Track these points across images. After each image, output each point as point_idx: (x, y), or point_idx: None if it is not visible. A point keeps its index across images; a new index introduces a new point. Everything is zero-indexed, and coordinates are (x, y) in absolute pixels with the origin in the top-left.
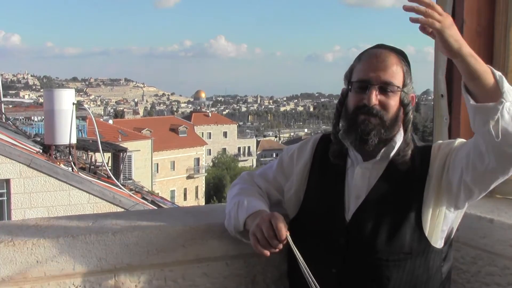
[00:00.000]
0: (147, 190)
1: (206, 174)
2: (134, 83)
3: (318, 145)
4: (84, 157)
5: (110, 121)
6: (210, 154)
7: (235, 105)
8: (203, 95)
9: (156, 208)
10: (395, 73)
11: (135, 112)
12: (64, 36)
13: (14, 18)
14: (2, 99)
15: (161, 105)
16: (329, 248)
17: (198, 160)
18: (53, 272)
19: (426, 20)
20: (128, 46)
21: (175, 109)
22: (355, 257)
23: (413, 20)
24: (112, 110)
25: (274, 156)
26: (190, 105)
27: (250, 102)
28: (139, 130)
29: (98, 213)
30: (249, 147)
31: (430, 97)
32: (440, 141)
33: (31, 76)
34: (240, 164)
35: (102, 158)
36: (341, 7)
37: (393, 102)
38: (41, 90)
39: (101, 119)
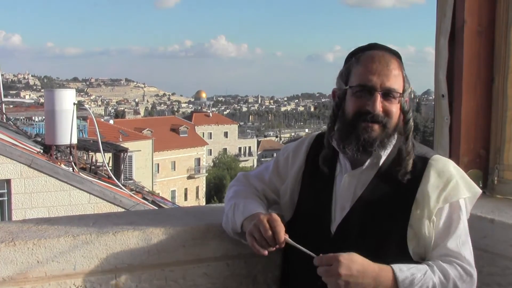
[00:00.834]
0: (147, 190)
1: (206, 174)
2: (135, 83)
3: (312, 146)
4: (85, 157)
5: (111, 121)
6: (211, 154)
7: (236, 105)
8: (203, 95)
9: (156, 208)
10: (397, 79)
11: (136, 112)
12: (64, 36)
13: (14, 18)
14: (3, 99)
15: (162, 105)
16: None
17: (198, 160)
18: (53, 272)
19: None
20: (128, 46)
21: (175, 109)
22: None
23: None
24: (112, 110)
25: (275, 156)
26: (191, 105)
27: (251, 102)
28: (139, 130)
29: (99, 213)
30: (249, 147)
31: (431, 97)
32: (437, 167)
33: (32, 76)
34: (241, 164)
35: (103, 158)
36: (342, 7)
37: (395, 109)
38: (42, 90)
39: (102, 119)
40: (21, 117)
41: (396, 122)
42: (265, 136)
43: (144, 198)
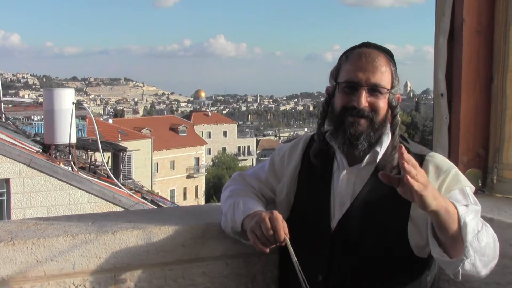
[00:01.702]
0: (147, 189)
1: (206, 173)
2: (134, 82)
3: (308, 145)
4: (84, 157)
5: (110, 121)
6: (210, 153)
7: (235, 105)
8: (202, 94)
9: (155, 207)
10: (384, 75)
11: (135, 112)
12: (63, 36)
13: (13, 18)
14: (2, 98)
15: (161, 104)
16: (315, 255)
17: (198, 159)
18: (53, 272)
19: (412, 182)
20: (127, 46)
21: (174, 109)
22: (339, 265)
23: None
24: (112, 110)
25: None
26: (190, 105)
27: (250, 101)
28: (139, 130)
29: (98, 213)
30: (249, 147)
31: (430, 97)
32: (436, 161)
33: (31, 75)
34: (240, 164)
35: (102, 157)
36: (340, 7)
37: (382, 104)
38: (41, 90)
39: (101, 119)
40: (20, 117)
41: (383, 117)
42: (264, 135)
43: (143, 198)
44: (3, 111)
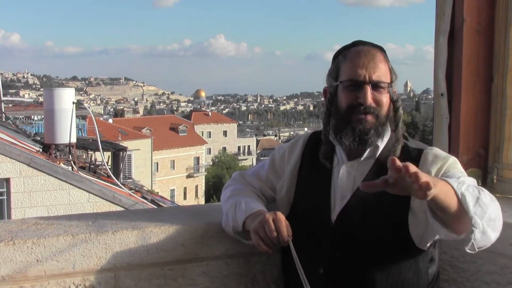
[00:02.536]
0: (147, 189)
1: (206, 173)
2: (134, 82)
3: (307, 143)
4: (84, 156)
5: (110, 120)
6: (210, 153)
7: (235, 104)
8: (203, 94)
9: (156, 207)
10: (384, 71)
11: (135, 111)
12: (64, 35)
13: (14, 17)
14: (2, 98)
15: (161, 104)
16: (316, 248)
17: (198, 159)
18: (53, 271)
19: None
20: (127, 45)
21: (175, 108)
22: (340, 258)
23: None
24: (112, 109)
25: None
26: (190, 104)
27: (250, 101)
28: (139, 129)
29: (98, 212)
30: (249, 146)
31: (430, 96)
32: (434, 151)
33: (31, 75)
34: (240, 163)
35: (102, 157)
36: (340, 7)
37: (385, 99)
38: (41, 89)
39: (101, 118)
40: (20, 116)
41: (387, 111)
42: (264, 135)
43: (143, 197)
44: (3, 110)
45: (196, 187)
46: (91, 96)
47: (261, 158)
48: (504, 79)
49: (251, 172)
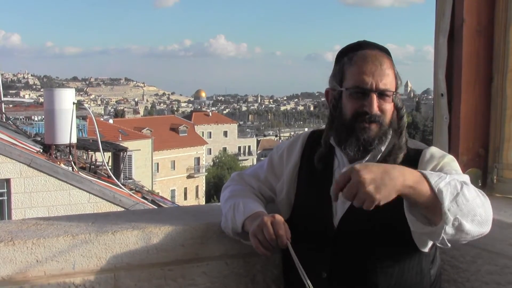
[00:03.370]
0: (147, 189)
1: (206, 173)
2: (134, 82)
3: (307, 143)
4: (84, 157)
5: (111, 121)
6: (210, 153)
7: (236, 105)
8: (203, 94)
9: (156, 207)
10: (391, 78)
11: (136, 112)
12: (64, 36)
13: (14, 18)
14: (3, 98)
15: (162, 104)
16: (319, 253)
17: (198, 159)
18: (53, 272)
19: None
20: (128, 46)
21: (175, 109)
22: (343, 263)
23: None
24: (112, 110)
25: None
26: (191, 105)
27: (250, 101)
28: (139, 130)
29: (98, 213)
30: (249, 147)
31: (430, 96)
32: (431, 150)
33: (31, 75)
34: (241, 164)
35: (103, 157)
36: (340, 7)
37: (389, 107)
38: (41, 90)
39: (102, 119)
40: (21, 117)
41: (390, 118)
42: (264, 136)
43: (143, 198)
44: (3, 111)
45: (197, 187)
46: (91, 97)
47: (262, 158)
48: (504, 79)
49: (250, 173)
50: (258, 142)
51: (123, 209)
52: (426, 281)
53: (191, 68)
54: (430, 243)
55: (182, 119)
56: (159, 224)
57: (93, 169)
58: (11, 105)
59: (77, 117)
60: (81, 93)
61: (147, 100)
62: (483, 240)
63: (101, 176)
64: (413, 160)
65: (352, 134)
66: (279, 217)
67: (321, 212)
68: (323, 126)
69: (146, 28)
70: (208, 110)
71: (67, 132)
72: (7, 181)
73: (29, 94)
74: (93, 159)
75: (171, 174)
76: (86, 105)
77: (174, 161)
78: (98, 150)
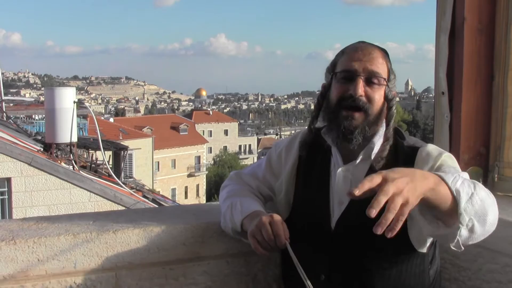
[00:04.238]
0: (148, 188)
1: (207, 172)
2: (135, 81)
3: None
4: (85, 156)
5: (111, 120)
6: (211, 152)
7: (236, 103)
8: (204, 93)
9: (157, 206)
10: (380, 66)
11: (136, 110)
12: (64, 35)
13: (14, 17)
14: (3, 97)
15: (162, 103)
16: (317, 254)
17: (199, 158)
18: (54, 271)
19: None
20: (128, 45)
21: (176, 107)
22: (340, 265)
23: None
24: (113, 108)
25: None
26: (191, 103)
27: (251, 100)
28: (140, 128)
29: (99, 212)
30: (250, 145)
31: (431, 95)
32: (428, 149)
33: (32, 74)
34: (241, 162)
35: (103, 156)
36: (340, 6)
37: (378, 96)
38: (42, 89)
39: (102, 118)
40: (21, 116)
41: (379, 109)
42: (265, 134)
43: (144, 196)
44: (4, 110)
45: (197, 186)
46: (92, 95)
47: (262, 157)
48: (505, 78)
49: (248, 171)
50: (258, 140)
51: (124, 208)
52: (425, 282)
53: (192, 66)
54: (428, 244)
55: (183, 118)
56: (160, 223)
57: (94, 168)
58: (11, 104)
59: (77, 116)
60: (81, 92)
61: (147, 99)
62: (484, 239)
63: (101, 175)
64: (409, 158)
65: (334, 121)
66: (277, 217)
67: (319, 213)
68: None
69: (147, 27)
70: (209, 109)
71: (68, 131)
72: (8, 180)
73: (30, 93)
74: (94, 158)
75: (171, 172)
76: (86, 104)
77: (174, 159)
78: (99, 149)
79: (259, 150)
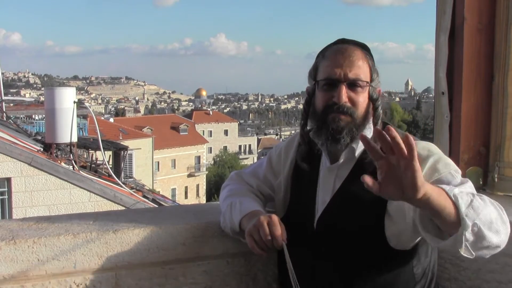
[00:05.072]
0: (148, 188)
1: (207, 172)
2: (135, 81)
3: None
4: (85, 156)
5: (111, 120)
6: (211, 152)
7: (236, 103)
8: (204, 93)
9: (157, 206)
10: (361, 68)
11: (136, 110)
12: (64, 35)
13: (14, 17)
14: (3, 97)
15: (162, 103)
16: (303, 253)
17: (199, 158)
18: (54, 270)
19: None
20: (128, 45)
21: (176, 107)
22: (324, 263)
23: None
24: (113, 109)
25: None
26: (191, 103)
27: (251, 100)
28: (140, 129)
29: (99, 212)
30: (250, 145)
31: (431, 95)
32: (417, 146)
33: (32, 74)
34: (242, 162)
35: (103, 156)
36: (340, 5)
37: (362, 99)
38: (42, 89)
39: (102, 118)
40: (21, 116)
41: (364, 111)
42: (265, 134)
43: (144, 196)
44: (4, 110)
45: (197, 186)
46: (92, 95)
47: (262, 157)
48: (505, 78)
49: (249, 171)
50: (258, 140)
51: (124, 208)
52: (407, 281)
53: (192, 66)
54: (409, 244)
55: (183, 118)
56: (160, 223)
57: (94, 168)
58: (11, 104)
59: (77, 116)
60: (81, 92)
61: (147, 99)
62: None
63: (101, 175)
64: None
65: (323, 125)
66: (275, 217)
67: (305, 213)
68: None
69: (147, 27)
70: (209, 109)
71: (68, 131)
72: (8, 180)
73: (30, 93)
74: (94, 158)
75: (171, 173)
76: (86, 104)
77: (174, 159)
78: (99, 149)
79: (259, 150)
